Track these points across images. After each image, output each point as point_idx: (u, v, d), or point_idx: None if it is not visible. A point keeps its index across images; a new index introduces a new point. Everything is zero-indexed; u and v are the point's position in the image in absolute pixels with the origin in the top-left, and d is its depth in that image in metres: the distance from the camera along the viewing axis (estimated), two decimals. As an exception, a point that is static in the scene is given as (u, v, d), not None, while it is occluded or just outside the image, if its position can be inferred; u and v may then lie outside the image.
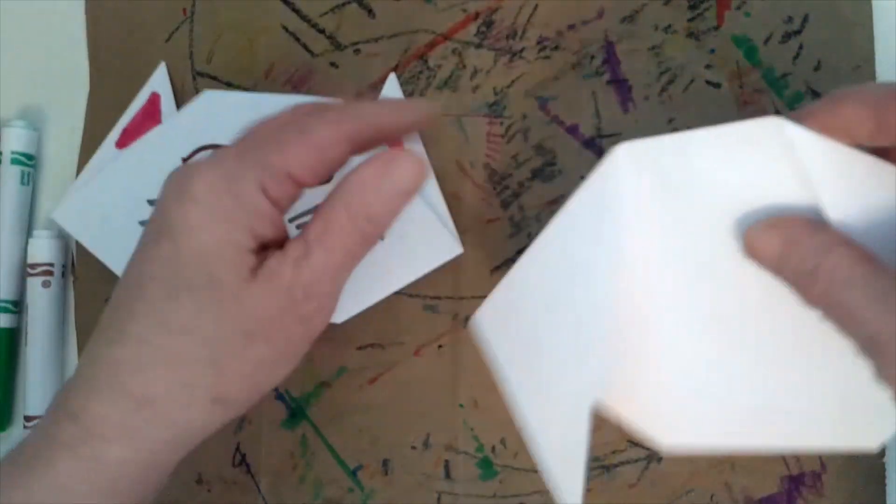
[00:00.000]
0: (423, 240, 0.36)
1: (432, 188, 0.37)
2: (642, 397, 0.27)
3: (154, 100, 0.40)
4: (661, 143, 0.25)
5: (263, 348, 0.25)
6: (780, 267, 0.24)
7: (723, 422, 0.27)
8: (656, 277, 0.26)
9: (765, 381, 0.26)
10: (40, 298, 0.39)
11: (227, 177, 0.25)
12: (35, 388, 0.39)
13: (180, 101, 0.40)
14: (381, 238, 0.35)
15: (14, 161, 0.40)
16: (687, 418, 0.27)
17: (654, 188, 0.26)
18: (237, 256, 0.24)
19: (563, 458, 0.26)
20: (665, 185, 0.26)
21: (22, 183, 0.40)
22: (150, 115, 0.39)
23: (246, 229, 0.25)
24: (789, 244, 0.23)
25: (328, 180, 0.29)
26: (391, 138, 0.29)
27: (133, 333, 0.24)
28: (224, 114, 0.38)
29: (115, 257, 0.38)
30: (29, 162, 0.41)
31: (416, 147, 0.38)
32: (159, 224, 0.25)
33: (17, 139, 0.40)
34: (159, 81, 0.40)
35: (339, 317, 0.37)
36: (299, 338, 0.26)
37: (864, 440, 0.26)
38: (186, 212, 0.24)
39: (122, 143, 0.39)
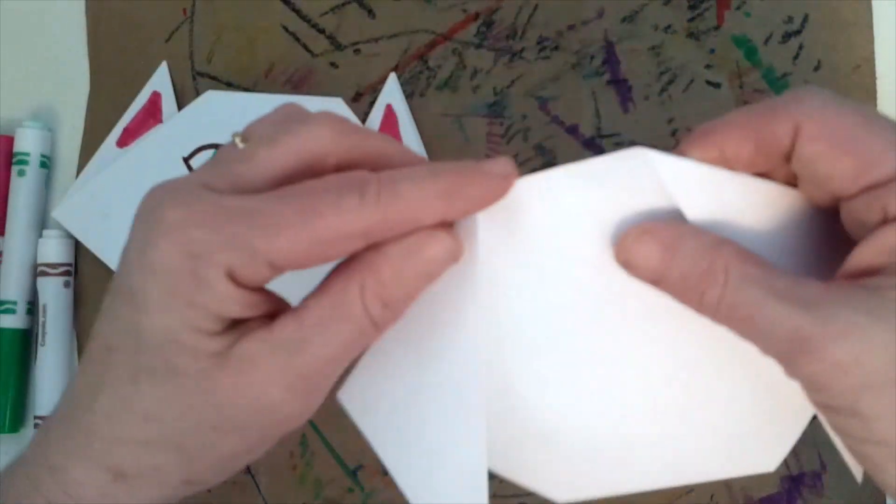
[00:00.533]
0: None
1: None
2: (528, 454, 0.25)
3: (155, 99, 0.40)
4: (528, 185, 0.23)
5: (235, 442, 0.22)
6: (662, 276, 0.21)
7: (616, 467, 0.25)
8: (527, 327, 0.24)
9: (652, 418, 0.24)
10: (59, 299, 0.39)
11: (189, 251, 0.20)
12: (47, 389, 0.39)
13: (180, 100, 0.40)
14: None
15: (24, 161, 0.40)
16: (578, 469, 0.25)
17: (516, 237, 0.24)
18: (198, 343, 0.21)
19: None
20: (529, 232, 0.23)
21: (36, 183, 0.40)
22: (151, 114, 0.39)
23: (208, 314, 0.21)
24: (670, 249, 0.21)
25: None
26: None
27: (103, 408, 0.22)
28: (226, 114, 0.38)
29: (116, 256, 0.38)
30: (46, 163, 0.41)
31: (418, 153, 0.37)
32: (126, 278, 0.22)
33: (33, 140, 0.40)
34: (161, 81, 0.40)
35: None
36: (278, 432, 0.23)
37: (762, 462, 0.25)
38: (146, 282, 0.21)
39: (123, 142, 0.39)
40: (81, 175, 0.39)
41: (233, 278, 0.20)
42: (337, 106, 0.38)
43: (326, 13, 0.39)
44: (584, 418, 0.24)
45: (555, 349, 0.24)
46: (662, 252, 0.21)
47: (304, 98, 0.38)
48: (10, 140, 0.40)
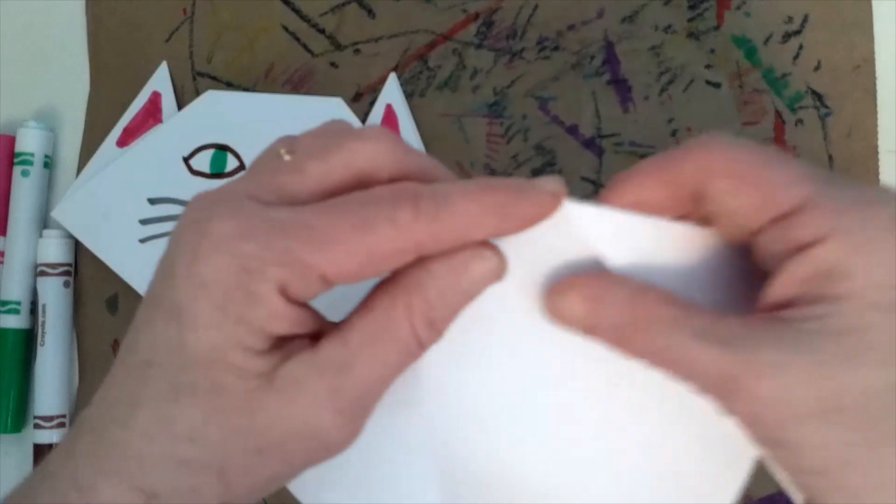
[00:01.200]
0: None
1: None
2: None
3: (155, 99, 0.40)
4: None
5: (278, 465, 0.21)
6: (591, 326, 0.21)
7: None
8: (470, 397, 0.24)
9: (600, 474, 0.24)
10: (59, 299, 0.39)
11: (242, 265, 0.20)
12: (48, 389, 0.39)
13: (180, 100, 0.40)
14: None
15: (28, 162, 0.40)
16: None
17: None
18: (245, 362, 0.20)
19: None
20: None
21: (39, 183, 0.40)
22: (152, 113, 0.39)
23: (257, 331, 0.20)
24: (595, 300, 0.21)
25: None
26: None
27: (139, 425, 0.21)
28: (226, 114, 0.38)
29: (116, 256, 0.38)
30: (48, 162, 0.41)
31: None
32: (167, 293, 0.21)
33: (36, 140, 0.40)
34: (161, 80, 0.40)
35: (338, 315, 0.37)
36: (322, 455, 0.22)
37: (718, 497, 0.25)
38: (194, 297, 0.20)
39: (123, 141, 0.39)
40: (81, 175, 0.39)
41: (284, 294, 0.20)
42: (337, 106, 0.38)
43: (326, 13, 0.39)
44: (532, 482, 0.24)
45: (499, 415, 0.24)
46: (588, 304, 0.21)
47: (305, 98, 0.38)
48: (11, 140, 0.40)
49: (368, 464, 0.24)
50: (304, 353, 0.21)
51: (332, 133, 0.22)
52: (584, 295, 0.22)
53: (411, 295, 0.21)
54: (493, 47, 0.38)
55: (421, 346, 0.21)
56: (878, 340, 0.19)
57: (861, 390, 0.19)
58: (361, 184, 0.21)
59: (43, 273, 0.39)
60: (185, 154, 0.38)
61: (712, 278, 0.23)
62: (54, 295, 0.39)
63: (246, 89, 0.39)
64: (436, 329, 0.21)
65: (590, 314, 0.21)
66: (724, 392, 0.20)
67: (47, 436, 0.39)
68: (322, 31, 0.39)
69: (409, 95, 0.38)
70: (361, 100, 0.39)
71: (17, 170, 0.40)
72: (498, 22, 0.38)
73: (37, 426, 0.39)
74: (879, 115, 0.36)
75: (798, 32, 0.36)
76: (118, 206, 0.38)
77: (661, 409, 0.23)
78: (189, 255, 0.21)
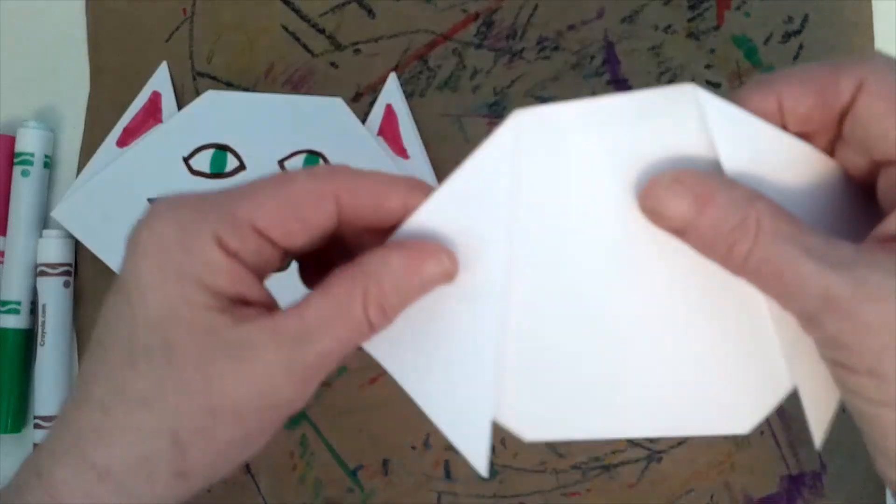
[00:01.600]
0: None
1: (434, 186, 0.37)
2: (509, 387, 0.25)
3: (155, 98, 0.40)
4: (566, 110, 0.24)
5: (232, 428, 0.22)
6: (690, 226, 0.21)
7: (592, 409, 0.25)
8: (535, 254, 0.24)
9: (641, 361, 0.25)
10: (60, 299, 0.39)
11: (179, 227, 0.21)
12: (47, 388, 0.39)
13: (180, 100, 0.40)
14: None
15: (28, 162, 0.40)
16: (555, 407, 0.25)
17: (544, 163, 0.24)
18: (193, 315, 0.21)
19: (468, 429, 0.26)
20: (559, 157, 0.24)
21: (39, 184, 0.40)
22: (152, 113, 0.39)
23: (199, 285, 0.21)
24: (702, 200, 0.21)
25: (319, 251, 0.24)
26: (387, 219, 0.24)
27: (95, 399, 0.22)
28: (226, 114, 0.38)
29: (116, 256, 0.38)
30: (48, 162, 0.40)
31: (418, 153, 0.37)
32: (119, 276, 0.22)
33: (36, 140, 0.40)
34: (161, 80, 0.40)
35: None
36: (277, 419, 0.23)
37: (736, 424, 0.25)
38: (137, 267, 0.22)
39: (123, 141, 0.39)
40: (81, 175, 0.39)
41: (221, 245, 0.21)
42: (337, 106, 0.38)
43: (326, 13, 0.39)
44: (573, 352, 0.25)
45: (557, 279, 0.24)
46: (693, 203, 0.21)
47: (305, 98, 0.38)
48: (11, 140, 0.40)
49: (435, 313, 0.25)
50: (260, 320, 0.22)
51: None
52: (692, 191, 0.21)
53: (369, 283, 0.22)
54: (493, 47, 0.38)
55: (372, 329, 0.23)
56: None
57: None
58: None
59: (43, 273, 0.39)
60: (185, 154, 0.38)
61: (825, 208, 0.22)
62: (54, 295, 0.39)
63: (246, 89, 0.39)
64: (387, 316, 0.23)
65: (693, 213, 0.21)
66: (819, 311, 0.20)
67: (47, 436, 0.39)
68: (322, 31, 0.39)
69: (409, 95, 0.38)
70: (361, 100, 0.39)
71: (17, 170, 0.40)
72: (498, 22, 0.38)
73: (37, 426, 0.39)
74: (879, 115, 0.36)
75: (798, 32, 0.36)
76: (118, 205, 0.38)
77: (711, 319, 0.23)
78: (133, 241, 0.22)
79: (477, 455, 0.26)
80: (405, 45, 0.39)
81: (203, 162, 0.38)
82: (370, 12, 0.39)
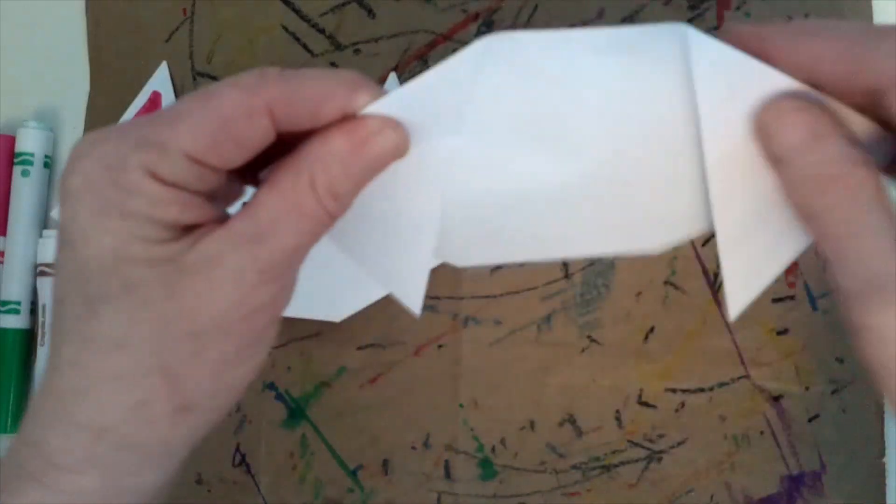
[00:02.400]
0: None
1: None
2: (447, 223, 0.25)
3: (155, 98, 0.40)
4: (539, 38, 0.23)
5: (223, 345, 0.21)
6: (794, 157, 0.20)
7: (514, 238, 0.26)
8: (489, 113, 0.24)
9: (556, 183, 0.25)
10: None
11: (104, 163, 0.20)
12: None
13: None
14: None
15: (28, 162, 0.40)
16: (482, 240, 0.26)
17: (507, 79, 0.24)
18: (148, 252, 0.20)
19: (406, 274, 0.26)
20: (525, 76, 0.24)
21: (39, 184, 0.40)
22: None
23: (147, 220, 0.20)
24: (816, 138, 0.20)
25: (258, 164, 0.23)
26: (325, 118, 0.22)
27: (64, 357, 0.21)
28: None
29: None
30: (48, 162, 0.41)
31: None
32: (60, 229, 0.21)
33: (37, 140, 0.40)
34: (161, 80, 0.40)
35: (338, 315, 0.37)
36: (264, 325, 0.22)
37: (648, 243, 0.25)
38: (75, 215, 0.20)
39: None
40: None
41: (156, 177, 0.20)
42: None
43: (326, 13, 0.39)
44: (507, 180, 0.25)
45: (505, 128, 0.24)
46: (808, 136, 0.20)
47: None
48: (11, 140, 0.40)
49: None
50: (214, 232, 0.21)
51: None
52: (812, 127, 0.20)
53: (314, 171, 0.21)
54: (493, 47, 0.38)
55: (330, 216, 0.22)
56: None
57: None
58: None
59: (43, 273, 0.39)
60: None
61: None
62: (55, 295, 0.39)
63: (246, 89, 0.39)
64: (341, 201, 0.22)
65: (803, 147, 0.20)
66: (865, 293, 0.19)
67: (47, 436, 0.39)
68: (322, 31, 0.39)
69: (409, 95, 0.38)
70: (361, 100, 0.39)
71: (17, 170, 0.40)
72: (498, 22, 0.38)
73: (37, 426, 0.39)
74: (879, 115, 0.36)
75: (798, 32, 0.36)
76: None
77: (645, 158, 0.24)
78: (62, 184, 0.21)
79: (413, 298, 0.26)
80: (405, 45, 0.39)
81: None
82: (370, 12, 0.39)
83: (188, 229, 0.21)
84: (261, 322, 0.22)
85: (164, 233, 0.21)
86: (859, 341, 0.19)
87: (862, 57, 0.20)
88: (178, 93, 0.40)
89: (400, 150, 0.22)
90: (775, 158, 0.21)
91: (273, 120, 0.21)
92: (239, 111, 0.21)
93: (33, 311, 0.40)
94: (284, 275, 0.22)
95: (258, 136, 0.21)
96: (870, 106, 0.20)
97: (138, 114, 0.40)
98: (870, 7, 0.36)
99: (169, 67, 0.40)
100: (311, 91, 0.22)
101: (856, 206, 0.19)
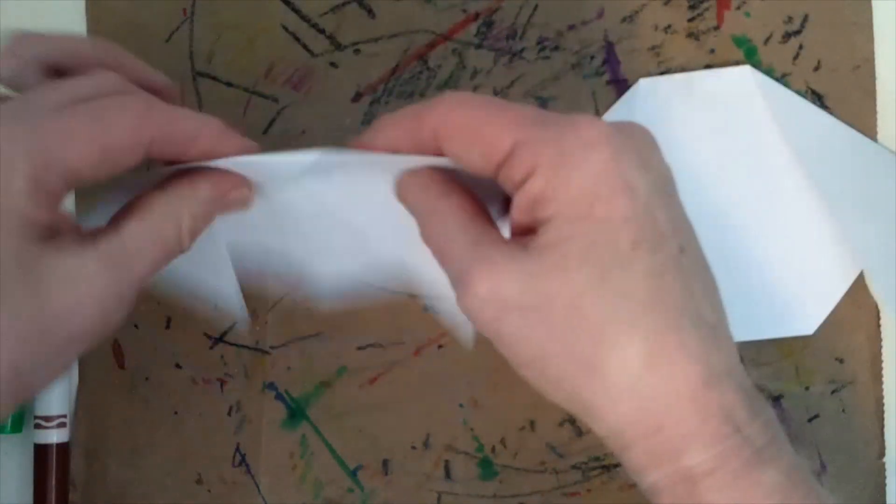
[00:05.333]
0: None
1: None
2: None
3: None
4: (675, 80, 0.35)
5: (66, 350, 0.24)
6: (410, 203, 0.27)
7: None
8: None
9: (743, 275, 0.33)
10: None
11: None
12: (49, 389, 0.39)
13: (182, 100, 0.40)
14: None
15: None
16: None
17: (662, 122, 0.33)
18: (17, 247, 0.23)
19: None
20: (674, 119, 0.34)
21: None
22: None
23: (16, 217, 0.22)
24: (424, 188, 0.27)
25: None
26: (191, 157, 0.26)
27: None
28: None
29: None
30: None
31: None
32: None
33: None
34: None
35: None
36: (99, 333, 0.25)
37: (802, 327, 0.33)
38: None
39: None
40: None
41: (36, 184, 0.23)
42: None
43: (326, 13, 0.39)
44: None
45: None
46: (420, 190, 0.27)
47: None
48: (10, 140, 0.40)
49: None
50: (86, 248, 0.24)
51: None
52: (418, 184, 0.27)
53: (182, 210, 0.26)
54: (493, 47, 0.38)
55: (181, 250, 0.26)
56: (572, 249, 0.23)
57: (554, 294, 0.23)
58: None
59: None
60: None
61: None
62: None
63: (245, 89, 0.39)
64: (193, 237, 0.26)
65: (417, 197, 0.27)
66: (458, 286, 0.24)
67: (48, 436, 0.39)
68: (322, 31, 0.39)
69: (409, 95, 0.38)
70: (361, 100, 0.39)
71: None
72: (498, 22, 0.38)
73: (38, 426, 0.39)
74: (879, 115, 0.36)
75: (798, 32, 0.36)
76: (100, 214, 0.38)
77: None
78: None
79: (236, 307, 0.34)
80: (405, 45, 0.39)
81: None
82: (370, 12, 0.39)
83: (49, 229, 0.23)
84: (99, 332, 0.24)
85: (30, 230, 0.23)
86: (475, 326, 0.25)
87: (414, 130, 0.26)
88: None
89: (248, 204, 0.28)
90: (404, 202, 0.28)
91: (148, 147, 0.25)
92: (125, 142, 0.24)
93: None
94: (133, 298, 0.25)
95: (133, 162, 0.25)
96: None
97: None
98: (870, 7, 0.36)
99: (168, 67, 0.40)
100: (186, 133, 0.25)
101: (436, 228, 0.26)
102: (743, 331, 0.32)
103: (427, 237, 0.26)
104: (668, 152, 0.30)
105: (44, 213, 0.23)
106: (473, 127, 0.24)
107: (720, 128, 0.35)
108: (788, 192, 0.34)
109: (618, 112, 0.36)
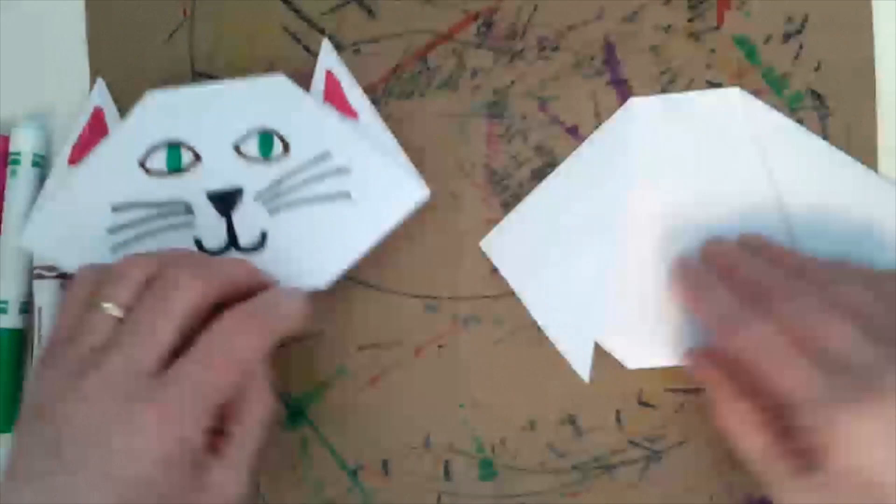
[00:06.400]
0: (387, 190, 0.36)
1: (388, 138, 0.37)
2: (615, 322, 0.35)
3: (98, 114, 0.39)
4: (666, 100, 0.36)
5: None
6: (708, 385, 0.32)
7: (671, 341, 0.34)
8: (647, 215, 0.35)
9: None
10: (56, 301, 0.39)
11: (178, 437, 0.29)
12: None
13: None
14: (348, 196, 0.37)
15: (16, 161, 0.40)
16: (646, 341, 0.35)
17: (651, 141, 0.35)
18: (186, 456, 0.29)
19: (576, 336, 0.35)
20: (658, 137, 0.36)
21: (28, 183, 0.40)
22: (97, 129, 0.39)
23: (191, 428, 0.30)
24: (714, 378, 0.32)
25: None
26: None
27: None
28: (172, 110, 0.38)
29: None
30: (40, 162, 0.40)
31: (366, 110, 0.38)
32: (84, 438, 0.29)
33: (25, 139, 0.40)
34: (100, 96, 0.40)
35: (323, 281, 0.36)
36: None
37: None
38: (131, 437, 0.28)
39: (74, 159, 0.39)
40: (40, 198, 0.39)
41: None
42: (281, 82, 0.37)
43: (326, 13, 0.39)
44: (655, 298, 0.35)
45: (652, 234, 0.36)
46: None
47: (246, 80, 0.38)
48: (6, 140, 0.40)
49: (558, 234, 0.36)
50: (218, 462, 0.29)
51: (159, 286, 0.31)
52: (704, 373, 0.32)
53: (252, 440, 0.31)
54: (493, 47, 0.38)
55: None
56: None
57: None
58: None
59: (40, 276, 0.39)
60: (139, 157, 0.38)
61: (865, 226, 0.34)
62: (51, 298, 0.39)
63: (246, 89, 0.39)
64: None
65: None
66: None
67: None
68: (322, 31, 0.39)
69: (408, 95, 0.38)
70: (361, 100, 0.39)
71: (10, 170, 0.40)
72: (498, 22, 0.38)
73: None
74: (879, 115, 0.36)
75: (798, 32, 0.36)
76: (82, 220, 0.38)
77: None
78: (122, 427, 0.28)
79: (582, 364, 0.35)
80: (405, 45, 0.39)
81: (158, 161, 0.38)
82: (370, 12, 0.39)
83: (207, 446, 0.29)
84: None
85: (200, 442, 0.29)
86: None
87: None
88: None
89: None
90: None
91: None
92: (199, 309, 0.31)
93: (23, 310, 0.40)
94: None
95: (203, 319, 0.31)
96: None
97: (84, 131, 0.39)
98: (870, 7, 0.36)
99: (168, 67, 0.40)
100: (241, 280, 0.33)
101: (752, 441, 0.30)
102: None
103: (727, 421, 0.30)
104: (657, 172, 0.35)
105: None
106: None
107: (707, 149, 0.35)
108: (767, 215, 0.34)
109: (608, 129, 0.36)
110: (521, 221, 0.37)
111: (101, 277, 0.31)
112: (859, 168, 0.33)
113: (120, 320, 0.30)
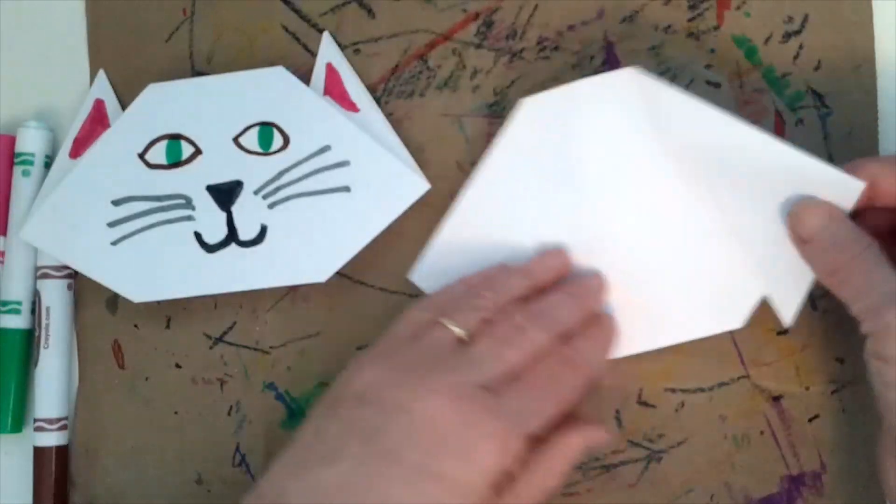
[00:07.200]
0: (387, 183, 0.37)
1: (388, 132, 0.37)
2: None
3: (99, 106, 0.40)
4: (555, 95, 0.34)
5: None
6: (821, 238, 0.31)
7: (640, 327, 0.34)
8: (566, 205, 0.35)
9: (637, 284, 0.34)
10: (63, 301, 0.39)
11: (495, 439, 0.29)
12: (51, 391, 0.39)
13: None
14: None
15: (29, 162, 0.40)
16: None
17: (553, 137, 0.34)
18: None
19: None
20: (561, 132, 0.34)
21: (37, 183, 0.40)
22: (98, 121, 0.39)
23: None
24: (833, 218, 0.31)
25: None
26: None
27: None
28: (172, 103, 0.38)
29: (91, 266, 0.38)
30: (48, 163, 0.40)
31: (366, 104, 0.38)
32: (429, 461, 0.28)
33: (37, 140, 0.40)
34: (101, 88, 0.40)
35: (322, 276, 0.37)
36: None
37: (729, 321, 0.34)
38: (462, 467, 0.28)
39: (76, 152, 0.39)
40: (41, 191, 0.39)
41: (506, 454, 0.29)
42: (280, 75, 0.37)
43: (326, 13, 0.39)
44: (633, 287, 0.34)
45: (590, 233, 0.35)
46: (825, 217, 0.31)
47: (246, 73, 0.38)
48: (11, 140, 0.40)
49: (481, 256, 0.35)
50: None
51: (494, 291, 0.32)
52: (827, 211, 0.31)
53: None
54: (493, 47, 0.38)
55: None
56: None
57: None
58: None
59: (45, 275, 0.39)
60: (139, 150, 0.38)
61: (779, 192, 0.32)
62: (58, 297, 0.39)
63: (246, 89, 0.39)
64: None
65: (821, 225, 0.31)
66: (880, 307, 0.28)
67: (47, 438, 0.39)
68: (322, 31, 0.39)
69: (408, 95, 0.38)
70: (361, 100, 0.39)
71: (17, 170, 0.40)
72: (498, 22, 0.38)
73: (39, 428, 0.39)
74: (879, 115, 0.36)
75: (798, 32, 0.36)
76: (83, 214, 0.38)
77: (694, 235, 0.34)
78: (460, 446, 0.28)
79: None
80: (405, 45, 0.39)
81: (158, 154, 0.38)
82: (370, 12, 0.39)
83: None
84: None
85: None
86: (873, 344, 0.28)
87: None
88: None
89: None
90: (801, 239, 0.31)
91: None
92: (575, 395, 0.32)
93: (32, 311, 0.40)
94: None
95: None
96: None
97: (85, 124, 0.39)
98: (870, 7, 0.36)
99: (168, 67, 0.40)
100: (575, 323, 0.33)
101: (865, 258, 0.29)
102: (677, 334, 0.35)
103: (838, 269, 0.30)
104: (566, 167, 0.34)
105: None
106: None
107: (613, 134, 0.34)
108: (678, 193, 0.34)
109: (511, 133, 0.35)
110: (446, 245, 0.36)
111: (446, 303, 0.32)
112: (765, 137, 0.31)
113: (461, 341, 0.30)
